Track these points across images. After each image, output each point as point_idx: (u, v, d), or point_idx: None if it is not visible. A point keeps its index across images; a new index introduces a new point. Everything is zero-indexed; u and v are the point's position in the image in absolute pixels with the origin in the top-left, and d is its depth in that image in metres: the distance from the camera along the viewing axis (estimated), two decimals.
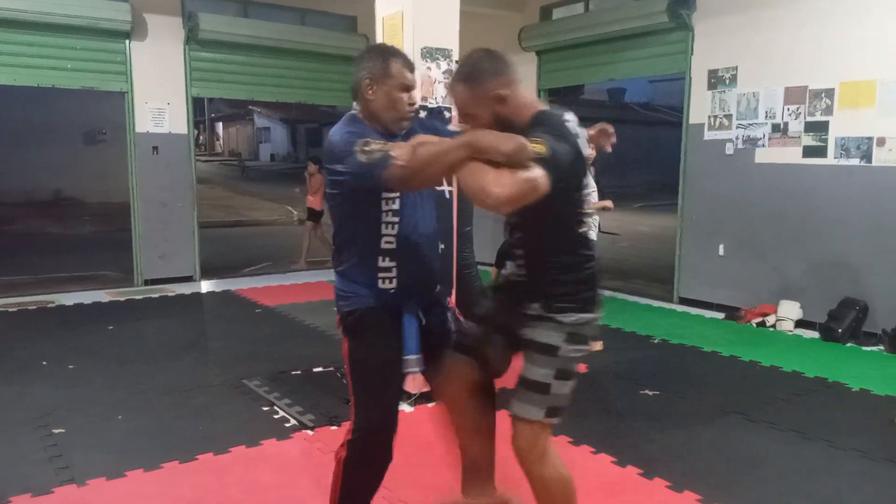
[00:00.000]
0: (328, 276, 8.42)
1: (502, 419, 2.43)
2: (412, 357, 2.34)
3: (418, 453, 3.48)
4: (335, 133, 2.32)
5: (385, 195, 2.27)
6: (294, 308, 6.64)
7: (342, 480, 2.41)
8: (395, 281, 2.32)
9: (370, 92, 2.35)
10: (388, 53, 2.39)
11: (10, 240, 11.26)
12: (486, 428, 2.54)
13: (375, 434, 2.33)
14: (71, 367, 4.71)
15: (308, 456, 3.40)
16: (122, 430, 3.65)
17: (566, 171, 2.02)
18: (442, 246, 3.92)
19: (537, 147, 1.93)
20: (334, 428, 3.74)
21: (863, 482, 3.23)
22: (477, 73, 2.16)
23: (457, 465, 2.59)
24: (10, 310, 6.43)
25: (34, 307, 6.56)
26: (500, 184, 1.88)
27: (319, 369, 4.72)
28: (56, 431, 3.64)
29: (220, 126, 41.98)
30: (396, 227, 2.31)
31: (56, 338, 5.47)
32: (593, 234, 2.32)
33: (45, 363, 4.78)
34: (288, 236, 12.94)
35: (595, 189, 4.69)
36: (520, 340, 2.27)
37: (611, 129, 2.64)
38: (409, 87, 2.35)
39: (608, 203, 5.16)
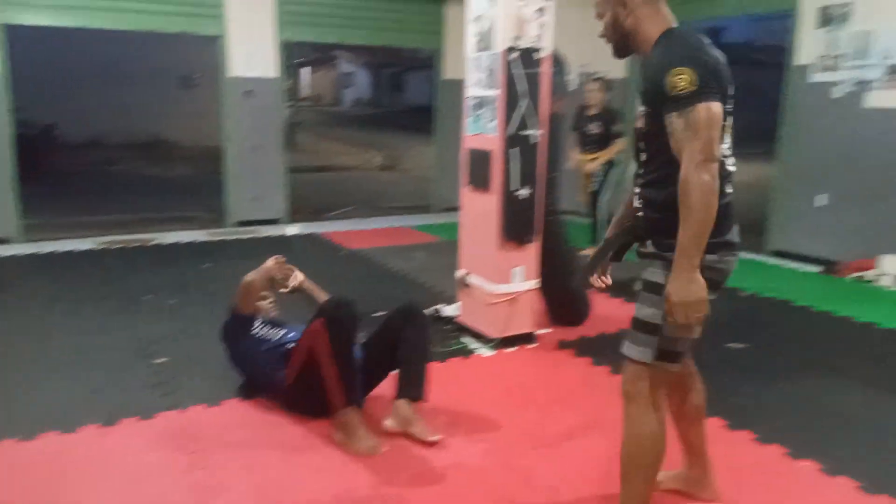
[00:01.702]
0: (407, 220, 8.53)
1: None
2: None
3: (499, 395, 3.53)
4: None
5: None
6: (376, 252, 6.76)
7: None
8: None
9: None
10: None
11: (111, 180, 11.86)
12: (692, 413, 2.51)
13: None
14: (171, 301, 4.98)
15: (390, 393, 3.48)
16: (220, 362, 3.81)
17: (718, 87, 1.97)
18: (528, 191, 3.91)
19: (682, 82, 1.92)
20: None
21: None
22: None
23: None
24: (112, 247, 6.81)
25: (135, 245, 6.93)
26: (704, 151, 1.92)
27: None
28: (159, 361, 3.88)
29: (305, 72, 42.46)
30: None
31: (156, 274, 5.78)
32: (731, 166, 2.13)
33: (147, 297, 5.07)
34: (369, 181, 13.12)
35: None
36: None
37: None
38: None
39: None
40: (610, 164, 6.54)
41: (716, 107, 1.94)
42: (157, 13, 7.21)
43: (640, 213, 2.20)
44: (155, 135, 16.92)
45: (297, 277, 3.45)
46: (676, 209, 1.98)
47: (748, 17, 12.38)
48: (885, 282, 5.75)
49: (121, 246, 6.85)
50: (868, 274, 5.87)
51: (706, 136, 1.93)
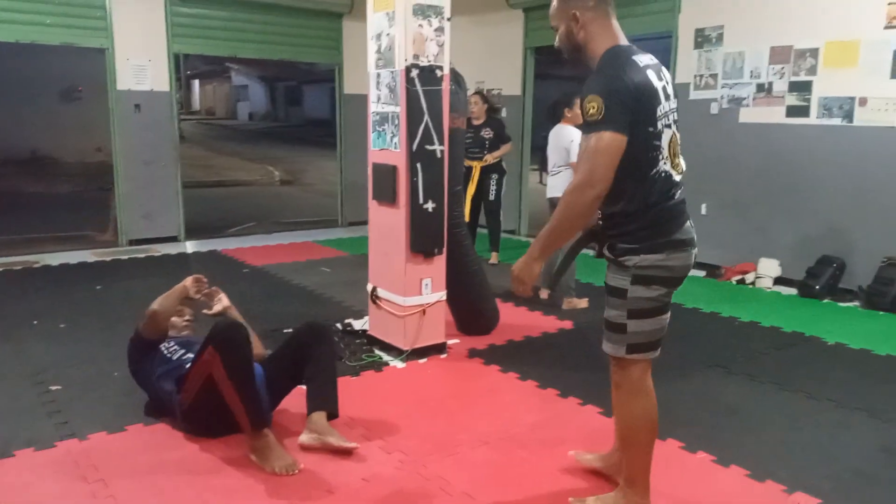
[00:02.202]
0: (312, 235, 8.46)
1: None
2: None
3: (412, 405, 3.57)
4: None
5: None
6: (280, 268, 6.67)
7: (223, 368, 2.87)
8: None
9: None
10: None
11: None
12: None
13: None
14: (62, 325, 4.73)
15: (304, 409, 3.46)
16: (119, 386, 3.68)
17: (630, 114, 2.15)
18: (433, 205, 4.00)
19: (591, 110, 2.14)
20: None
21: (839, 430, 3.37)
22: None
23: None
24: None
25: (19, 267, 6.52)
26: (582, 172, 2.16)
27: None
28: (53, 388, 3.68)
29: (196, 84, 41.17)
30: None
31: (44, 297, 5.46)
32: (676, 175, 2.34)
33: (35, 322, 4.79)
34: (269, 196, 12.89)
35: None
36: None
37: None
38: None
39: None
40: (501, 172, 6.79)
41: (609, 137, 2.14)
42: (38, 24, 6.87)
43: (599, 221, 2.43)
44: (35, 150, 15.94)
45: (223, 301, 3.34)
46: (627, 220, 2.29)
47: (634, 38, 13.04)
48: (763, 283, 6.22)
49: (3, 269, 6.43)
50: (749, 277, 6.32)
51: (593, 161, 2.16)
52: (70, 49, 7.49)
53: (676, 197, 2.34)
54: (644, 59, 2.28)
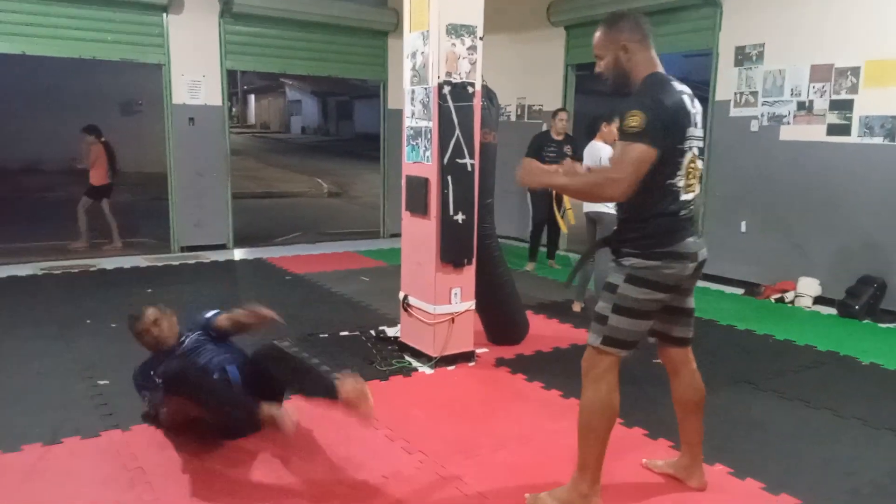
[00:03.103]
0: (354, 246, 8.67)
1: None
2: None
3: (437, 409, 3.69)
4: None
5: None
6: (322, 276, 6.88)
7: None
8: None
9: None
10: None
11: (52, 206, 11.65)
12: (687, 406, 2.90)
13: None
14: (113, 325, 5.00)
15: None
16: None
17: (664, 133, 2.36)
18: (464, 216, 4.14)
19: (633, 122, 2.34)
20: None
21: (862, 448, 3.36)
22: (615, 22, 2.58)
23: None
24: (55, 272, 6.76)
25: (77, 270, 6.89)
26: (617, 172, 2.37)
27: (345, 333, 4.94)
28: (101, 383, 3.92)
29: (252, 99, 42.34)
30: None
31: (98, 298, 5.77)
32: (685, 194, 2.53)
33: (88, 321, 5.08)
34: (317, 208, 13.21)
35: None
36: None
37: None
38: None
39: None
40: None
41: (644, 149, 2.35)
42: (100, 41, 7.27)
43: (615, 228, 2.65)
44: None
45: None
46: (633, 228, 2.51)
47: (674, 55, 13.02)
48: (802, 302, 6.14)
49: (62, 271, 6.80)
50: (788, 295, 6.26)
51: (627, 168, 2.37)
52: (129, 65, 7.90)
53: (681, 214, 2.53)
54: (680, 86, 2.52)
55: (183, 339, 3.50)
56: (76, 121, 15.06)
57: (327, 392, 3.04)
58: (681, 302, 2.71)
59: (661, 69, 2.55)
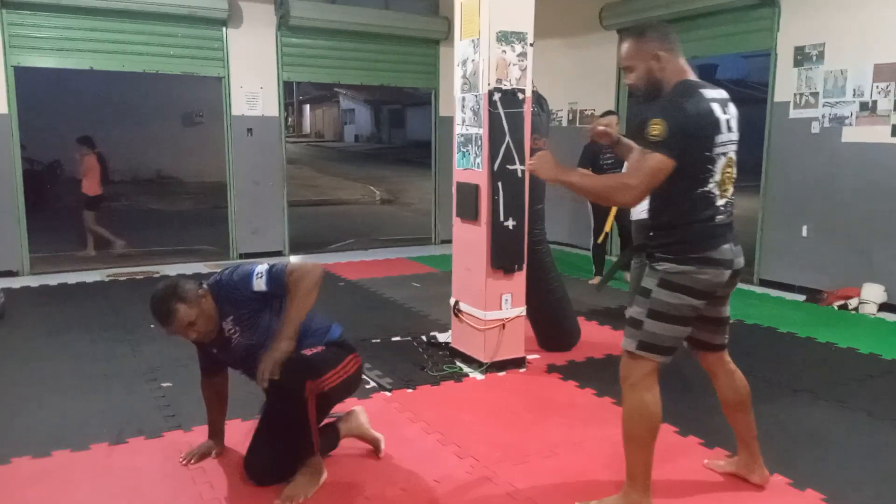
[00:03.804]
0: (406, 252, 8.75)
1: None
2: None
3: (487, 415, 3.70)
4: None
5: None
6: (374, 282, 6.97)
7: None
8: None
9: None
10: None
11: (117, 214, 12.10)
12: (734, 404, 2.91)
13: None
14: None
15: (386, 413, 3.67)
16: None
17: (686, 142, 2.38)
18: (514, 222, 4.14)
19: (654, 131, 2.36)
20: (410, 391, 4.00)
21: None
22: (644, 33, 2.59)
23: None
24: (120, 278, 7.04)
25: (141, 276, 7.15)
26: (633, 179, 2.41)
27: (397, 338, 5.00)
28: (164, 385, 4.07)
29: (307, 108, 43.19)
30: None
31: None
32: (720, 200, 2.54)
33: (152, 325, 5.25)
34: (369, 215, 13.39)
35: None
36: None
37: (601, 127, 2.97)
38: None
39: None
40: None
41: (660, 159, 2.37)
42: (162, 55, 7.55)
43: (650, 235, 2.66)
44: (158, 171, 17.25)
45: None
46: (665, 233, 2.53)
47: (732, 56, 12.80)
48: (867, 309, 5.94)
49: (127, 277, 7.07)
50: (851, 302, 6.06)
51: (642, 177, 2.40)
52: (190, 77, 8.17)
53: (717, 220, 2.52)
54: (712, 92, 2.50)
55: (227, 320, 2.85)
56: (141, 132, 15.76)
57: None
58: (716, 312, 2.71)
59: (691, 76, 2.55)
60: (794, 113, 6.57)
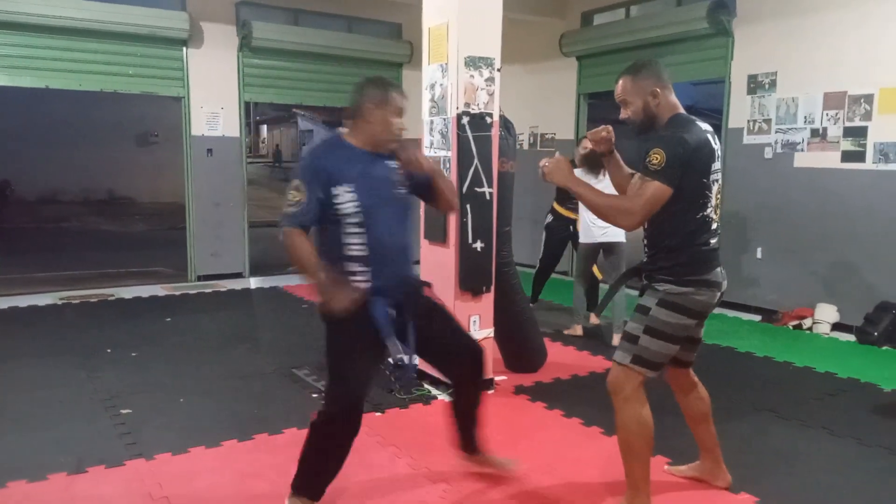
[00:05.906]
0: None
1: None
2: (391, 343, 2.74)
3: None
4: (306, 155, 2.82)
5: (343, 212, 2.67)
6: None
7: (309, 442, 2.76)
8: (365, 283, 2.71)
9: (370, 116, 2.73)
10: (387, 84, 2.81)
11: (67, 236, 11.80)
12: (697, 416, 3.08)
13: (342, 408, 2.70)
14: (134, 354, 5.04)
15: (356, 438, 3.60)
16: (184, 412, 3.93)
17: (683, 171, 2.54)
18: (482, 244, 4.14)
19: (654, 160, 2.52)
20: (378, 414, 3.96)
21: (889, 477, 3.32)
22: (640, 70, 2.73)
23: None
24: (73, 302, 6.83)
25: (95, 299, 6.95)
26: (632, 204, 2.54)
27: None
28: (124, 412, 3.95)
29: (264, 129, 42.83)
30: (363, 236, 2.69)
31: (118, 328, 5.82)
32: (714, 223, 2.72)
33: (109, 350, 5.11)
34: None
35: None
36: None
37: (602, 134, 3.01)
38: (401, 113, 2.77)
39: None
40: None
41: (659, 187, 2.53)
42: (122, 75, 7.42)
43: (644, 258, 2.80)
44: (111, 191, 16.88)
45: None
46: (668, 256, 2.66)
47: (687, 84, 13.13)
48: (820, 329, 6.11)
49: (81, 301, 6.86)
50: (805, 322, 6.23)
51: (642, 203, 2.55)
52: (146, 97, 8.04)
53: (712, 244, 2.70)
54: (704, 125, 2.68)
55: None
56: (92, 152, 15.41)
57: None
58: (697, 332, 2.88)
59: (682, 110, 2.72)
60: (747, 139, 6.77)
